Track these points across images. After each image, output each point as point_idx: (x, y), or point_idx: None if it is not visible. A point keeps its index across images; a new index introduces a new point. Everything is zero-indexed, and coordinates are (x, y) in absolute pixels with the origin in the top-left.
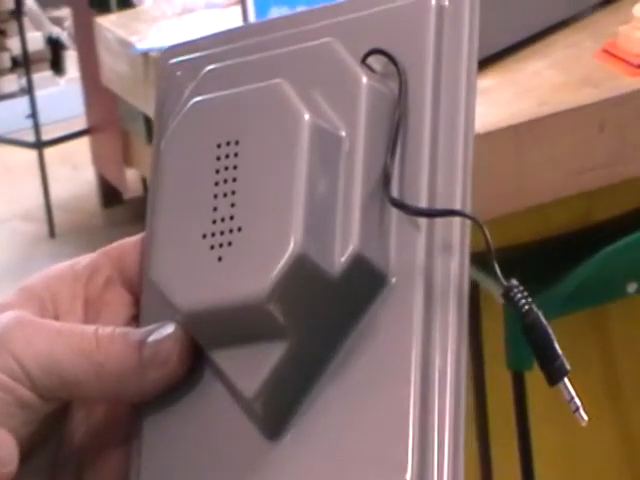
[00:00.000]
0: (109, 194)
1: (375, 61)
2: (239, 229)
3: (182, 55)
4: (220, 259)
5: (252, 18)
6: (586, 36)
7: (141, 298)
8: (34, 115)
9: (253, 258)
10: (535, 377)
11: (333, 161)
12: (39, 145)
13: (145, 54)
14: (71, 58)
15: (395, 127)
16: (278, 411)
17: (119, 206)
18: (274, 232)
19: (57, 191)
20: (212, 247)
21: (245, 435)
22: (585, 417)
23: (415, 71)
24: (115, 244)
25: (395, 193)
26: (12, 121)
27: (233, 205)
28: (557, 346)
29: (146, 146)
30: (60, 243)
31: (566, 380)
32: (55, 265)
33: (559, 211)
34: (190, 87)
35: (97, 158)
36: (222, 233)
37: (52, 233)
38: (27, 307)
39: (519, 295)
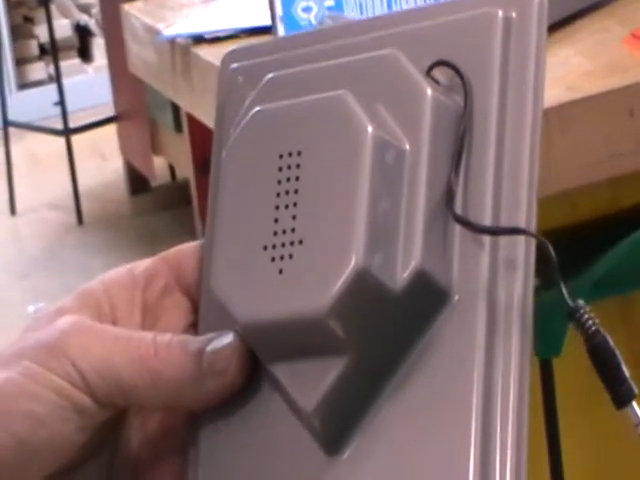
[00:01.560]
0: (136, 182)
1: (440, 73)
2: (300, 242)
3: (243, 59)
4: (281, 272)
5: (279, 7)
6: (614, 22)
7: (200, 305)
8: (62, 103)
9: (314, 272)
10: (562, 364)
11: (396, 175)
12: (67, 132)
13: (172, 41)
14: (99, 45)
15: (460, 141)
16: (337, 427)
17: (147, 194)
18: (336, 246)
19: (85, 179)
20: (273, 259)
21: (303, 449)
22: None
23: (481, 84)
24: (173, 250)
25: (459, 209)
26: (40, 109)
27: (294, 217)
28: (625, 369)
29: (173, 134)
30: (88, 231)
31: (634, 404)
32: (112, 270)
33: (587, 197)
34: (251, 95)
35: (124, 146)
36: (283, 245)
37: (80, 221)
38: (85, 312)
39: (585, 316)
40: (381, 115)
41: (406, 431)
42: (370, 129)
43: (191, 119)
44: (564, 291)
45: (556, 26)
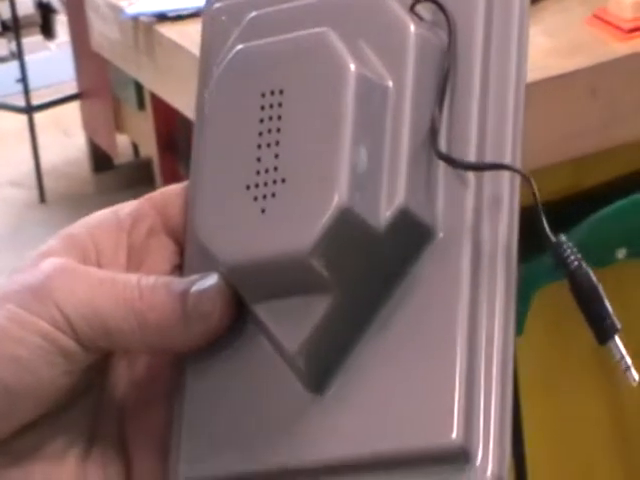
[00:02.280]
0: (100, 160)
1: (424, 9)
2: (283, 180)
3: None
4: (263, 211)
5: None
6: (577, 2)
7: (185, 247)
8: (24, 80)
9: (297, 211)
10: (524, 346)
11: (379, 112)
12: (29, 110)
13: (135, 19)
14: (61, 22)
15: (444, 78)
16: (321, 366)
17: (110, 172)
18: (318, 184)
19: (47, 157)
20: (255, 198)
21: (288, 388)
22: (636, 377)
23: (465, 20)
24: (159, 191)
25: (443, 146)
26: (2, 86)
27: (277, 156)
28: (607, 304)
29: (137, 112)
30: (51, 209)
31: (617, 338)
32: (97, 212)
33: (549, 177)
34: (235, 33)
35: (88, 123)
36: (266, 184)
37: (42, 199)
38: (69, 254)
39: (568, 251)
40: (364, 52)
41: (390, 369)
42: (352, 66)
43: (154, 97)
44: (546, 226)
45: None
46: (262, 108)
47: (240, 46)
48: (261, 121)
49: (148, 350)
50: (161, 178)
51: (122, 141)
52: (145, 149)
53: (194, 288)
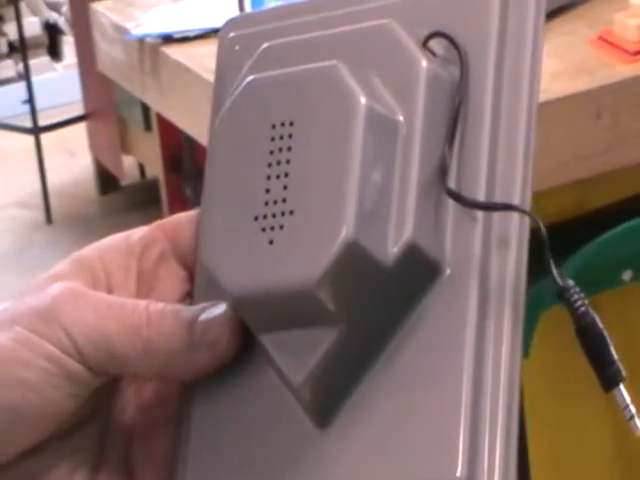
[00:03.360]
0: (106, 181)
1: (436, 45)
2: (291, 212)
3: (242, 28)
4: (271, 242)
5: (248, 6)
6: (582, 24)
7: (195, 275)
8: (31, 101)
9: (304, 243)
10: (530, 367)
11: (389, 147)
12: (36, 131)
13: (140, 40)
14: (68, 44)
15: (455, 114)
16: (326, 399)
17: (116, 193)
18: (326, 217)
19: (54, 177)
20: (264, 229)
21: (293, 421)
22: None
23: (477, 56)
24: (170, 218)
25: (452, 183)
26: (9, 107)
27: (286, 187)
28: (613, 351)
29: (143, 133)
30: (57, 230)
31: (621, 387)
32: (108, 236)
33: (554, 199)
34: (248, 64)
35: (94, 144)
36: (274, 216)
37: (49, 220)
38: (79, 278)
39: (575, 296)
40: (375, 86)
41: (395, 405)
42: (363, 100)
43: (160, 118)
44: (554, 270)
45: None
46: (272, 139)
47: (252, 77)
48: (271, 152)
49: (154, 376)
50: (167, 199)
51: (128, 162)
52: (151, 170)
53: (202, 316)
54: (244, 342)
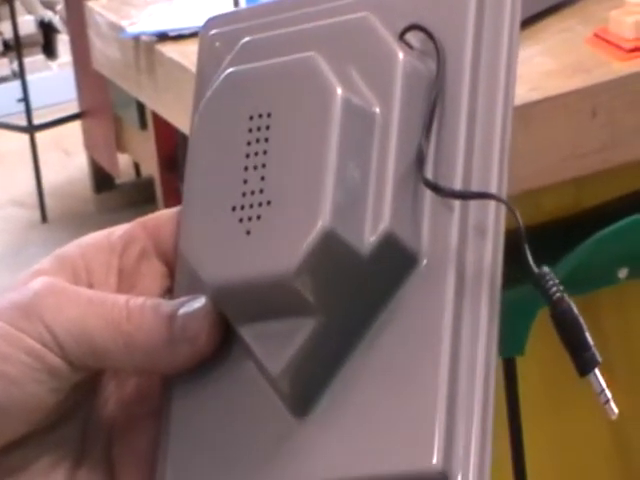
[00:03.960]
0: (101, 179)
1: (413, 38)
2: (268, 203)
3: (223, 26)
4: (249, 233)
5: (243, 4)
6: (577, 21)
7: (175, 270)
8: (26, 99)
9: (281, 233)
10: (526, 364)
11: (366, 137)
12: (31, 129)
13: (136, 38)
14: (63, 42)
15: (431, 106)
16: (305, 389)
17: (111, 191)
18: (303, 207)
19: (49, 176)
20: (241, 220)
21: (272, 412)
22: (616, 410)
23: (454, 49)
24: (152, 215)
25: (429, 174)
26: (3, 105)
27: (263, 178)
28: (588, 337)
29: (139, 131)
30: (52, 228)
31: (597, 371)
32: (90, 234)
33: (550, 197)
34: (227, 59)
35: (89, 143)
36: (251, 206)
37: (44, 218)
38: (60, 274)
39: (550, 282)
40: (352, 78)
41: (373, 394)
42: (339, 91)
43: (156, 116)
44: (529, 257)
45: (521, 25)
46: (250, 131)
47: (230, 69)
48: (248, 144)
49: (135, 370)
50: (163, 197)
51: (124, 160)
52: (147, 168)
53: (182, 310)
54: (224, 336)
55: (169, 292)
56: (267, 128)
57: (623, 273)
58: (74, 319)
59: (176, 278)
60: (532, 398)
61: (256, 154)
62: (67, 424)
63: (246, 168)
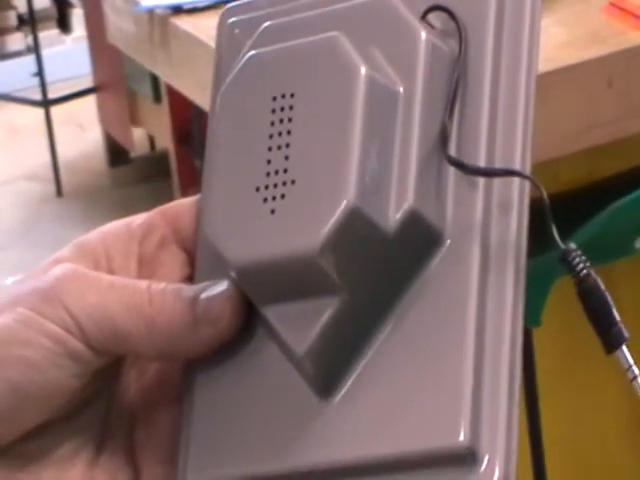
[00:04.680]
0: (116, 153)
1: (435, 18)
2: (292, 182)
3: (241, 14)
4: (273, 212)
5: None
6: None
7: (196, 256)
8: (40, 74)
9: (306, 211)
10: (542, 335)
11: (389, 116)
12: (45, 103)
13: (150, 12)
14: (78, 16)
15: (454, 84)
16: (329, 369)
17: (126, 165)
18: (328, 186)
19: (64, 150)
20: (265, 200)
21: (296, 393)
22: None
23: (476, 29)
24: (171, 204)
25: (453, 152)
26: (18, 80)
27: (287, 158)
28: (615, 313)
29: (153, 105)
30: (67, 202)
31: (624, 348)
32: (110, 223)
33: (566, 167)
34: (247, 44)
35: (104, 117)
36: (275, 186)
37: (59, 192)
38: (81, 262)
39: (577, 259)
40: (375, 57)
41: (398, 372)
42: (363, 70)
43: (170, 90)
44: (555, 234)
45: None
46: (273, 111)
47: (252, 52)
48: (272, 124)
49: (157, 355)
50: (177, 171)
51: (138, 134)
52: (161, 142)
53: (204, 294)
54: (246, 319)
55: (189, 280)
56: (290, 108)
57: None
58: (96, 304)
59: (197, 264)
60: (548, 369)
61: (280, 134)
62: (88, 411)
63: (270, 148)
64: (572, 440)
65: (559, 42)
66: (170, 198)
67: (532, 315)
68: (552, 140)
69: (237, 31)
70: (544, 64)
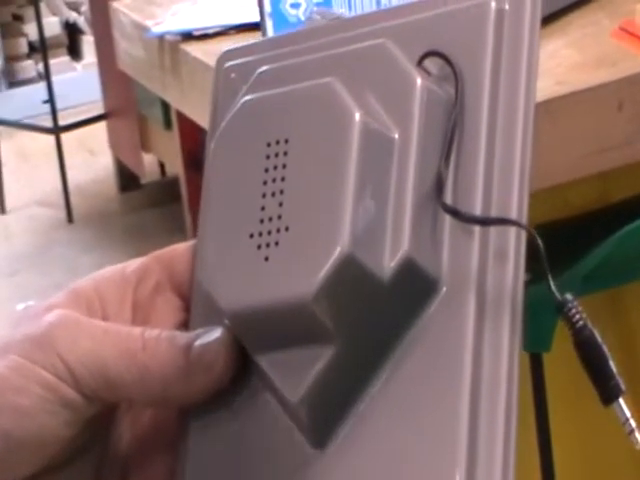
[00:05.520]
0: (126, 179)
1: (432, 64)
2: (286, 229)
3: (238, 58)
4: (267, 259)
5: (267, 3)
6: (603, 15)
7: (191, 303)
8: (51, 100)
9: (300, 258)
10: (553, 360)
11: (384, 163)
12: (56, 130)
13: (160, 38)
14: (88, 43)
15: (450, 130)
16: (324, 418)
17: (136, 191)
18: (322, 232)
19: (74, 176)
20: (259, 247)
21: (290, 444)
22: None
23: (473, 75)
24: (166, 249)
25: (449, 199)
26: (29, 107)
27: (281, 204)
28: (612, 365)
29: (163, 130)
30: (78, 228)
31: (621, 401)
32: (104, 268)
33: (576, 191)
34: (243, 89)
35: (114, 143)
36: (269, 233)
37: (70, 218)
38: (75, 308)
39: (573, 310)
40: (370, 103)
41: (393, 423)
42: (357, 115)
43: (181, 116)
44: (552, 285)
45: (547, 19)
46: (267, 157)
47: (247, 97)
48: (266, 170)
49: (150, 402)
50: (188, 196)
51: (148, 160)
52: (172, 168)
53: (198, 341)
54: (240, 366)
55: (184, 326)
56: (285, 154)
57: None
58: (89, 350)
59: (192, 310)
60: (559, 394)
61: (274, 180)
62: (82, 459)
63: (264, 195)
64: (584, 466)
65: (569, 65)
66: (180, 223)
67: (542, 340)
68: (562, 164)
69: (233, 75)
70: (554, 88)
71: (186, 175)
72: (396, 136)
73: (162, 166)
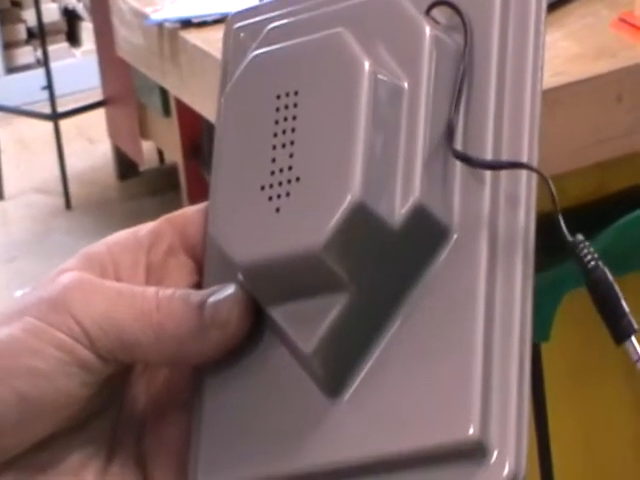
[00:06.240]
0: (125, 166)
1: (440, 14)
2: (297, 179)
3: (247, 19)
4: (278, 210)
5: None
6: (602, 6)
7: (204, 263)
8: (50, 87)
9: (311, 208)
10: (551, 350)
11: (394, 111)
12: (55, 117)
13: (160, 25)
14: (87, 30)
15: (460, 78)
16: (337, 368)
17: (135, 178)
18: (332, 182)
19: (73, 163)
20: (270, 198)
21: (306, 395)
22: None
23: (481, 23)
24: (178, 212)
25: (459, 146)
26: (28, 93)
27: (292, 156)
28: (624, 304)
29: (162, 118)
30: (76, 215)
31: (633, 339)
32: (117, 232)
33: (575, 182)
34: (252, 46)
35: (113, 130)
36: (280, 184)
37: (68, 205)
38: (88, 271)
39: (585, 251)
40: (379, 53)
41: (407, 369)
42: (367, 65)
43: (179, 103)
44: (563, 226)
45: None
46: (277, 110)
47: (256, 52)
48: (276, 122)
49: (166, 361)
50: (186, 184)
51: (147, 147)
52: (170, 155)
53: (212, 299)
54: (254, 322)
55: (197, 287)
56: (295, 106)
57: None
58: (103, 311)
59: (205, 270)
60: (557, 384)
61: (284, 132)
62: (98, 421)
63: (274, 147)
64: (581, 455)
65: (568, 56)
66: None
67: (541, 330)
68: (561, 154)
69: (242, 35)
70: (553, 78)
71: (185, 162)
72: (406, 85)
73: (161, 153)
